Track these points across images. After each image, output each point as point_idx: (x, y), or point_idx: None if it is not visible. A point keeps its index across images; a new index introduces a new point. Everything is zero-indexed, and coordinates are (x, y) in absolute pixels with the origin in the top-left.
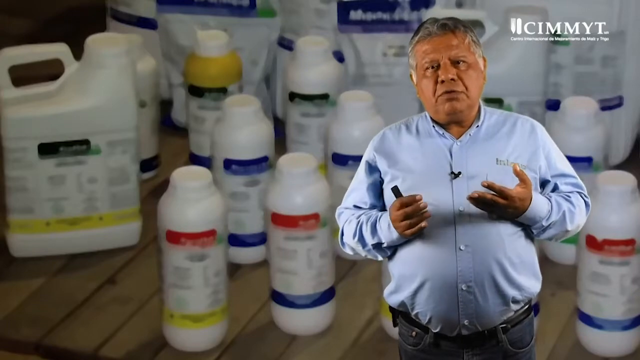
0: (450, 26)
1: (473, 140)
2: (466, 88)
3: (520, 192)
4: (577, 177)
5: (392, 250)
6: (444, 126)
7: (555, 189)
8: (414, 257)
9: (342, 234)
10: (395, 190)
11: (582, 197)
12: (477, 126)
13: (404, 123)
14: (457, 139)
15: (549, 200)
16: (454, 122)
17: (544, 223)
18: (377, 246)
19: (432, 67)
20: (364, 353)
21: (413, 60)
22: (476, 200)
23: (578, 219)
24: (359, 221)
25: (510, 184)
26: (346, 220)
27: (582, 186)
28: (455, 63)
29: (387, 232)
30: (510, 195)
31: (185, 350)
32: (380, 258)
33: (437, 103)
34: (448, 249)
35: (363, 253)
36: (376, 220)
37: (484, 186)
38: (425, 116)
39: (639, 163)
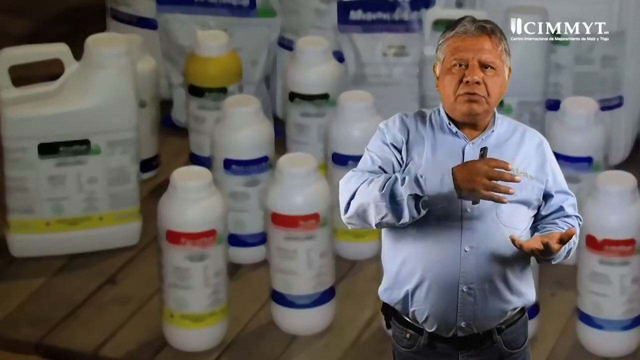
0: (488, 29)
1: (485, 145)
2: (488, 94)
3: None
4: (572, 194)
5: (425, 209)
6: (457, 124)
7: (559, 208)
8: (416, 254)
9: (353, 196)
10: (484, 151)
11: (578, 220)
12: (492, 131)
13: (418, 114)
14: (470, 140)
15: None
16: (468, 123)
17: (556, 257)
18: (414, 199)
19: (460, 65)
20: (364, 353)
21: (442, 53)
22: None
23: (575, 245)
24: (389, 177)
25: (518, 192)
26: (366, 180)
27: (576, 205)
28: (483, 67)
29: (438, 185)
30: (554, 250)
31: (185, 350)
32: (405, 218)
33: (456, 102)
34: (453, 249)
35: (382, 212)
36: (417, 176)
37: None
38: (439, 111)
39: (639, 163)
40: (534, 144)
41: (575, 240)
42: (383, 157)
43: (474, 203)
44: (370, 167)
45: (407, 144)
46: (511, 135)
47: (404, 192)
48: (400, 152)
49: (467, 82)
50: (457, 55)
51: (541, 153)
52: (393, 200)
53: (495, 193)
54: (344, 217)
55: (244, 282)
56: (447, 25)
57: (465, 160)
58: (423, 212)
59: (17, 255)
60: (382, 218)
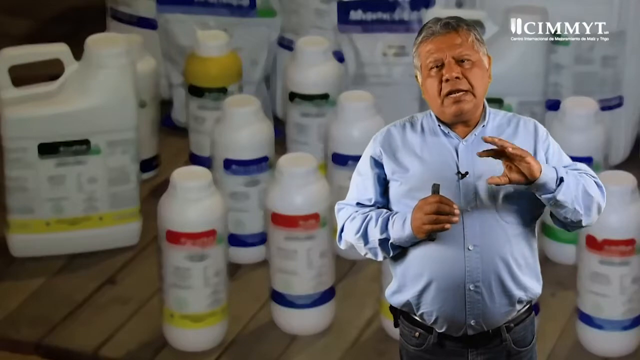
0: (453, 25)
1: (479, 141)
2: (472, 86)
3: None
4: (574, 163)
5: (396, 250)
6: (449, 125)
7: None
8: (420, 256)
9: (342, 230)
10: (436, 187)
11: (590, 175)
12: (483, 126)
13: (408, 121)
14: (463, 138)
15: (554, 167)
16: (459, 122)
17: (555, 185)
18: (383, 243)
19: (437, 67)
20: (364, 353)
21: (417, 60)
22: (491, 150)
23: (595, 191)
24: (366, 217)
25: (512, 186)
26: (349, 216)
27: (591, 171)
28: (459, 62)
29: (400, 229)
30: (515, 147)
31: (185, 350)
32: (380, 258)
33: (443, 105)
34: (456, 249)
35: (363, 251)
36: (389, 217)
37: (487, 141)
38: (430, 114)
39: (639, 163)
40: (529, 133)
41: (586, 177)
42: (363, 188)
43: (429, 239)
44: (355, 197)
45: (392, 157)
46: (505, 129)
47: (374, 235)
48: (382, 166)
49: (447, 80)
50: (430, 58)
51: (535, 140)
52: (367, 243)
53: (438, 225)
54: (339, 246)
55: (244, 282)
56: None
57: (460, 161)
58: (394, 252)
59: (17, 255)
60: (365, 254)
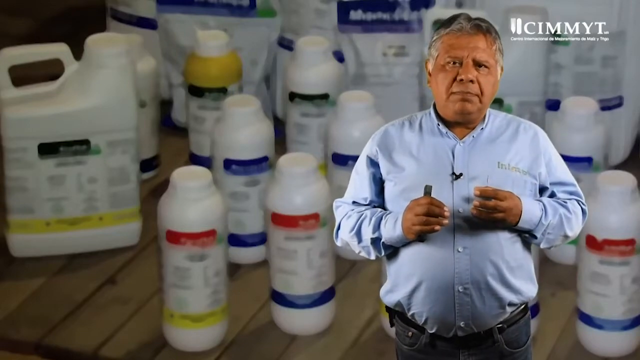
0: (483, 28)
1: (476, 142)
2: (481, 92)
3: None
4: (576, 184)
5: (388, 250)
6: (448, 125)
7: (552, 196)
8: (412, 257)
9: (339, 228)
10: (428, 189)
11: (579, 204)
12: (482, 128)
13: (407, 119)
14: (460, 139)
15: (541, 202)
16: (460, 123)
17: (544, 221)
18: (375, 242)
19: (454, 63)
20: (364, 353)
21: (435, 50)
22: (479, 210)
23: (575, 225)
24: (360, 215)
25: (510, 188)
26: (345, 214)
27: (580, 194)
28: (477, 65)
29: (392, 228)
30: (504, 196)
31: (185, 350)
32: (372, 256)
33: (448, 99)
34: (446, 250)
35: (357, 249)
36: (382, 217)
37: (476, 195)
38: (430, 113)
39: (639, 163)
40: (528, 138)
41: (568, 214)
42: (359, 187)
43: (419, 240)
44: (351, 195)
45: (388, 156)
46: (504, 131)
47: (367, 234)
48: (378, 166)
49: (461, 80)
50: (451, 52)
51: (535, 146)
52: (360, 241)
53: (427, 227)
54: (336, 243)
55: (244, 282)
56: (441, 23)
57: (455, 162)
58: (386, 251)
59: (17, 255)
60: (359, 252)
